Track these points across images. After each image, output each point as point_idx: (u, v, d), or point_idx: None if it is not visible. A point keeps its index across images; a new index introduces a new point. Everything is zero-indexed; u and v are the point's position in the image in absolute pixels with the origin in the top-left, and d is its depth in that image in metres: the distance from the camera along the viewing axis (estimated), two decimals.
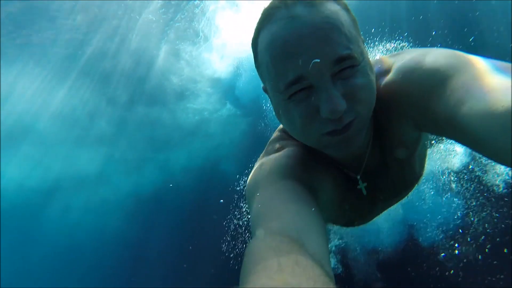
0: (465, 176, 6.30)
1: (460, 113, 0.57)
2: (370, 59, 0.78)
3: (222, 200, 10.15)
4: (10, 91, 9.13)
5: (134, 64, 9.84)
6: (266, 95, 0.83)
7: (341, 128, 0.66)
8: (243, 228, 9.16)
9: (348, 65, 0.64)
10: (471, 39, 8.24)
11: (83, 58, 9.12)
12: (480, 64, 0.61)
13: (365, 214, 1.07)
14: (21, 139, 11.15)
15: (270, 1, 0.71)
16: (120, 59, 9.47)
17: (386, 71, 0.80)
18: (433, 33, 8.74)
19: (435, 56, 0.69)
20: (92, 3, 7.53)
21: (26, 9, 7.00)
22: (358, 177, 0.91)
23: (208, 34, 9.41)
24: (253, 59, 0.80)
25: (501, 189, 5.68)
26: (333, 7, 0.66)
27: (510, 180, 5.58)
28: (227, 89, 11.69)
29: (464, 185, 6.31)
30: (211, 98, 11.85)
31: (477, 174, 6.12)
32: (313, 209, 0.66)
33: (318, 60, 0.61)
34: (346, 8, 0.71)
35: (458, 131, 0.60)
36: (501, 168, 5.65)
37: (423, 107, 0.70)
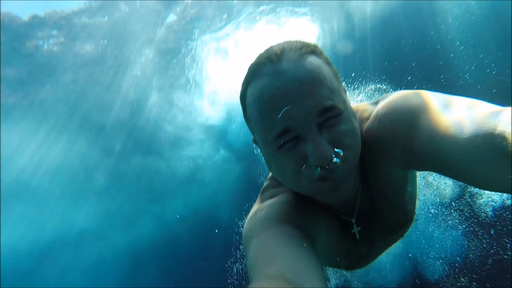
0: (460, 206, 6.30)
1: (432, 147, 0.63)
2: (353, 103, 0.85)
3: (220, 246, 9.81)
4: (5, 149, 9.39)
5: (128, 115, 10.25)
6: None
7: (330, 173, 0.68)
8: (244, 273, 8.76)
9: (332, 114, 0.67)
10: (442, 77, 8.88)
11: (79, 112, 9.52)
12: (437, 102, 0.69)
13: (363, 256, 1.06)
14: (15, 199, 11.12)
15: (256, 57, 0.76)
16: (114, 110, 9.90)
17: (367, 118, 0.85)
18: (409, 78, 9.39)
19: (402, 100, 0.76)
20: (89, 55, 8.07)
21: (24, 67, 7.53)
22: (353, 220, 0.92)
23: (200, 81, 10.01)
24: None
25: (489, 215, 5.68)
26: (315, 62, 0.70)
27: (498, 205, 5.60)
28: (220, 135, 12.02)
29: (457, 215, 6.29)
30: (204, 145, 12.11)
31: (468, 201, 6.13)
32: (309, 252, 0.66)
33: (288, 107, 0.66)
34: (327, 62, 0.75)
35: (436, 163, 0.65)
36: (491, 196, 5.69)
37: (400, 147, 0.74)
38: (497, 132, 0.52)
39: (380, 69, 9.46)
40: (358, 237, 0.92)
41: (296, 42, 0.74)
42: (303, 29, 9.51)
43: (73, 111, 9.37)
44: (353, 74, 8.97)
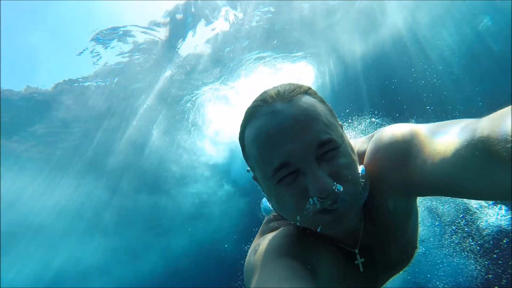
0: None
1: (427, 172, 0.65)
2: (350, 139, 0.89)
3: (224, 278, 10.02)
4: (14, 192, 9.75)
5: (135, 157, 10.68)
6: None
7: (331, 205, 0.69)
8: None
9: (330, 148, 0.69)
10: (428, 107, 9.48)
11: (88, 156, 9.93)
12: (424, 129, 0.72)
13: (371, 286, 1.06)
14: (24, 238, 11.39)
15: (252, 101, 0.78)
16: (122, 153, 10.32)
17: (363, 151, 0.88)
18: (402, 111, 9.95)
19: (392, 132, 0.79)
20: (96, 99, 8.53)
21: (28, 106, 7.99)
22: (357, 251, 0.92)
23: (202, 124, 10.52)
24: None
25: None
26: (309, 101, 0.73)
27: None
28: (224, 173, 12.40)
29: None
30: (209, 182, 12.48)
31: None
32: (311, 286, 0.66)
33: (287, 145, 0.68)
34: (322, 100, 0.78)
35: (435, 187, 0.66)
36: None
37: (397, 178, 0.75)
38: (476, 138, 0.54)
39: (374, 104, 10.05)
40: (361, 269, 0.93)
41: (290, 84, 0.77)
42: (299, 72, 10.12)
43: (82, 156, 9.79)
44: (347, 110, 9.58)
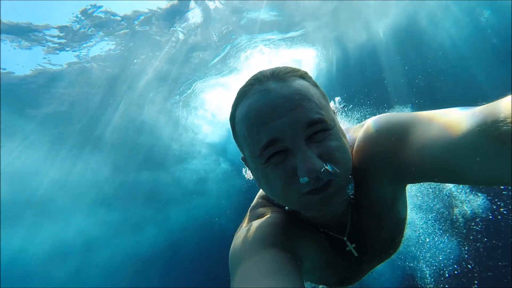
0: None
1: (425, 156, 0.63)
2: (343, 126, 0.88)
3: (219, 251, 10.66)
4: (22, 166, 10.18)
5: (137, 135, 11.06)
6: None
7: (320, 186, 0.67)
8: None
9: (320, 128, 0.67)
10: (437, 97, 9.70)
11: (93, 134, 10.29)
12: (420, 116, 0.70)
13: (354, 274, 1.06)
14: (38, 212, 11.95)
15: (246, 81, 0.77)
16: (125, 132, 10.69)
17: (357, 137, 0.86)
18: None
19: (389, 117, 0.78)
20: (103, 78, 8.81)
21: (49, 103, 8.33)
22: (345, 238, 0.92)
23: (200, 104, 10.83)
24: None
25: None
26: (302, 82, 0.72)
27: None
28: (221, 152, 12.81)
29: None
30: (206, 160, 12.94)
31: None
32: (296, 278, 0.66)
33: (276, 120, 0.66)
34: (315, 84, 0.77)
35: (431, 172, 0.65)
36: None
37: (391, 162, 0.74)
38: (488, 121, 0.52)
39: (368, 94, 10.32)
40: (355, 254, 0.93)
41: (286, 67, 0.76)
42: (301, 55, 10.27)
43: (88, 134, 10.14)
44: (345, 95, 9.85)
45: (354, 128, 0.93)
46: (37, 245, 13.78)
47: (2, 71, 7.22)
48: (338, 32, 9.41)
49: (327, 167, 0.66)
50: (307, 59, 10.43)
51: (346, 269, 1.00)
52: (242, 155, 0.86)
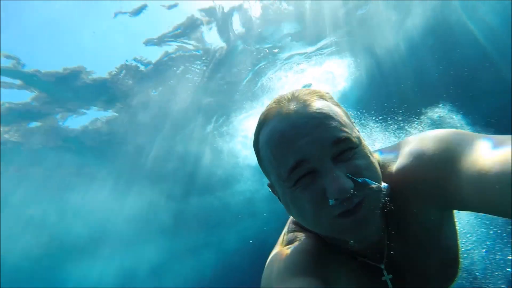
0: None
1: (477, 186, 0.59)
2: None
3: None
4: (88, 204, 11.51)
5: (185, 165, 11.88)
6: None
7: (352, 207, 0.64)
8: None
9: (346, 147, 0.66)
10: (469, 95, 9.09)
11: (145, 168, 11.30)
12: (474, 138, 0.66)
13: None
14: (101, 243, 13.31)
15: (266, 106, 0.77)
16: (173, 162, 11.57)
17: (394, 158, 0.81)
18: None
19: (439, 138, 0.72)
20: (148, 124, 9.79)
21: (103, 140, 9.45)
22: (383, 266, 0.86)
23: (235, 132, 11.36)
24: None
25: None
26: (324, 102, 0.72)
27: None
28: (262, 172, 13.11)
29: None
30: (250, 181, 13.33)
31: None
32: None
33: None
34: (337, 104, 0.76)
35: (482, 204, 0.61)
36: None
37: (439, 187, 0.69)
38: None
39: (406, 99, 9.97)
40: (390, 286, 0.87)
41: (306, 89, 0.76)
42: (332, 68, 10.25)
43: (142, 169, 11.19)
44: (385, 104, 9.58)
45: (389, 148, 0.89)
46: (109, 275, 15.19)
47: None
48: (366, 39, 9.37)
49: (359, 181, 0.64)
50: (339, 70, 10.45)
51: None
52: (268, 183, 0.83)
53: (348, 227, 0.66)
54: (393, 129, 8.33)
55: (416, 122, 8.77)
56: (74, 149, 9.11)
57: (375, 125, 8.24)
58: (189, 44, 7.57)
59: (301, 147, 0.65)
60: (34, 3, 5.79)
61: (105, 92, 7.75)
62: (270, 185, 0.83)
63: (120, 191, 11.63)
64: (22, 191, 9.46)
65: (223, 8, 7.06)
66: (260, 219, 14.86)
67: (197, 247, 15.47)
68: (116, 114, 8.92)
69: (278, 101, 0.74)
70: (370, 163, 0.69)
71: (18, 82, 6.60)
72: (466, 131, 0.73)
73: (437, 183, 0.70)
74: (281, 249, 0.89)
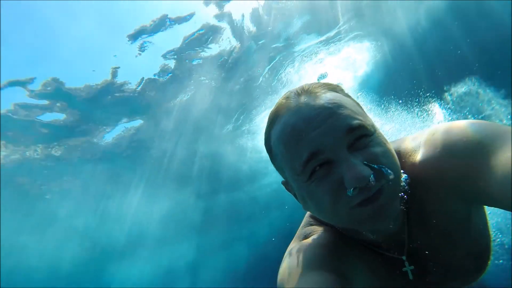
0: None
1: (508, 185, 0.55)
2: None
3: None
4: (123, 210, 12.11)
5: (211, 163, 12.20)
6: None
7: (371, 195, 0.62)
8: None
9: (360, 133, 0.64)
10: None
11: (173, 170, 11.69)
12: (509, 133, 0.62)
13: None
14: (138, 245, 14.00)
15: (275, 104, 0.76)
16: (198, 163, 11.90)
17: (416, 147, 0.77)
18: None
19: (471, 130, 0.67)
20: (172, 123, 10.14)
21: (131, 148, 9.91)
22: (404, 258, 0.83)
23: (257, 130, 11.50)
24: None
25: None
26: (334, 94, 0.70)
27: None
28: None
29: None
30: (275, 173, 13.52)
31: None
32: None
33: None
34: (348, 95, 0.74)
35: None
36: None
37: (468, 181, 0.66)
38: None
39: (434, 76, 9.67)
40: (411, 276, 0.84)
41: (316, 82, 0.74)
42: (353, 53, 10.03)
43: (167, 171, 11.60)
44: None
45: (408, 137, 0.86)
46: (149, 273, 16.03)
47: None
48: (385, 19, 9.09)
49: (377, 168, 0.62)
50: (359, 55, 10.23)
51: None
52: (283, 180, 0.82)
53: (368, 216, 0.65)
54: (418, 110, 8.22)
55: (441, 101, 8.59)
56: (107, 160, 9.58)
57: (399, 108, 8.16)
58: (205, 50, 7.71)
59: (314, 139, 0.63)
60: (64, 24, 6.08)
61: (130, 105, 8.08)
62: (284, 183, 0.82)
63: (151, 194, 12.11)
64: (66, 205, 10.12)
65: (232, 13, 7.14)
66: (288, 209, 15.09)
67: (229, 241, 15.97)
68: (142, 122, 9.27)
69: (288, 97, 0.73)
70: (387, 150, 0.67)
71: (58, 104, 7.07)
72: (500, 124, 0.69)
73: (466, 178, 0.67)
74: (297, 243, 0.89)
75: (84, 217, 11.13)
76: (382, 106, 8.33)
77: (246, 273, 17.73)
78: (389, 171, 0.63)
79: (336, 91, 0.73)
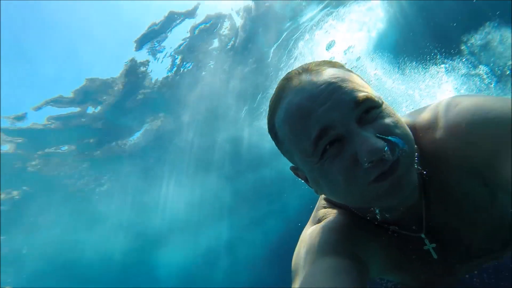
0: None
1: None
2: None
3: None
4: (160, 200, 12.86)
5: (234, 146, 12.53)
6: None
7: (388, 168, 0.59)
8: None
9: (369, 106, 0.61)
10: None
11: (203, 157, 12.14)
12: None
13: (444, 278, 0.91)
14: (178, 230, 14.90)
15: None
16: (224, 148, 12.26)
17: (435, 121, 0.72)
18: None
19: (505, 107, 0.61)
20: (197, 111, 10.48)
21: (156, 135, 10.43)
22: (423, 235, 0.78)
23: None
24: None
25: None
26: (335, 69, 0.67)
27: None
28: None
29: None
30: None
31: None
32: (354, 286, 0.61)
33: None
34: (349, 70, 0.72)
35: None
36: None
37: (495, 168, 0.60)
38: None
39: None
40: (435, 255, 0.80)
41: (316, 61, 0.72)
42: (365, 14, 9.56)
43: (194, 159, 12.07)
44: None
45: (418, 111, 0.81)
46: (191, 255, 17.15)
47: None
48: None
49: (391, 140, 0.59)
50: (372, 15, 9.76)
51: (427, 271, 0.88)
52: (291, 166, 0.79)
53: (386, 191, 0.61)
54: (435, 67, 7.96)
55: (460, 56, 8.23)
56: (137, 157, 10.14)
57: (416, 66, 7.96)
58: (213, 39, 7.80)
59: (322, 115, 0.61)
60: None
61: (151, 104, 8.47)
62: (293, 168, 0.79)
63: (182, 183, 12.68)
64: (109, 202, 10.95)
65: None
66: None
67: (261, 217, 16.59)
68: (164, 118, 9.65)
69: (288, 78, 0.70)
70: (398, 120, 0.64)
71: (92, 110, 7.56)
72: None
73: (491, 166, 0.61)
74: (311, 227, 0.87)
75: (126, 212, 11.98)
76: (398, 66, 8.16)
77: (281, 246, 18.49)
78: (403, 141, 0.60)
79: (337, 67, 0.70)
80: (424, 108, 0.80)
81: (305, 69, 0.68)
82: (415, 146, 0.67)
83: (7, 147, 7.51)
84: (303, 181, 0.78)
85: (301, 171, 0.75)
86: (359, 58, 10.07)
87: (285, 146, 0.73)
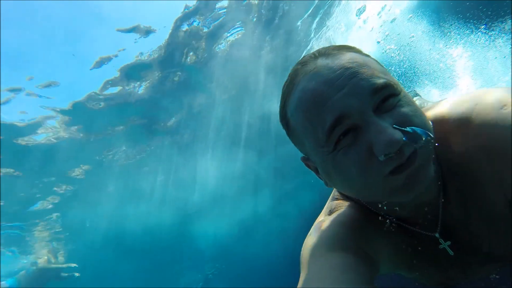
0: None
1: None
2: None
3: None
4: (197, 176, 13.47)
5: (264, 123, 12.63)
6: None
7: (405, 160, 0.55)
8: None
9: (388, 93, 0.58)
10: None
11: (236, 134, 12.42)
12: None
13: (460, 278, 0.88)
14: (214, 203, 15.65)
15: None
16: (254, 125, 12.42)
17: (463, 119, 0.65)
18: None
19: None
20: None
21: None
22: (437, 235, 0.74)
23: None
24: None
25: None
26: (353, 54, 0.64)
27: None
28: None
29: None
30: None
31: None
32: (360, 286, 0.58)
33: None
34: (367, 54, 0.67)
35: None
36: None
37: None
38: None
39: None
40: (451, 252, 0.76)
41: (332, 45, 0.68)
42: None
43: (228, 136, 12.38)
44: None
45: (445, 103, 0.74)
46: (231, 226, 18.09)
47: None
48: None
49: (409, 131, 0.55)
50: None
51: (441, 271, 0.84)
52: (302, 156, 0.76)
53: (402, 184, 0.58)
54: (486, 30, 7.28)
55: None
56: (174, 136, 10.67)
57: (463, 27, 7.36)
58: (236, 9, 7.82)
59: (338, 102, 0.57)
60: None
61: (183, 87, 8.79)
62: (304, 158, 0.76)
63: (217, 159, 13.15)
64: (153, 179, 11.79)
65: None
66: None
67: (296, 189, 16.93)
68: (196, 97, 9.92)
69: (302, 62, 0.67)
70: (417, 109, 0.61)
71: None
72: None
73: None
74: (322, 219, 0.85)
75: (167, 188, 12.78)
76: (442, 29, 7.60)
77: (314, 217, 18.78)
78: (423, 132, 0.55)
79: (355, 52, 0.66)
80: (450, 100, 0.73)
81: (321, 53, 0.65)
82: (434, 138, 0.62)
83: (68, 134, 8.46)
84: (313, 171, 0.76)
85: (312, 162, 0.72)
86: (394, 20, 9.47)
87: (296, 134, 0.70)
